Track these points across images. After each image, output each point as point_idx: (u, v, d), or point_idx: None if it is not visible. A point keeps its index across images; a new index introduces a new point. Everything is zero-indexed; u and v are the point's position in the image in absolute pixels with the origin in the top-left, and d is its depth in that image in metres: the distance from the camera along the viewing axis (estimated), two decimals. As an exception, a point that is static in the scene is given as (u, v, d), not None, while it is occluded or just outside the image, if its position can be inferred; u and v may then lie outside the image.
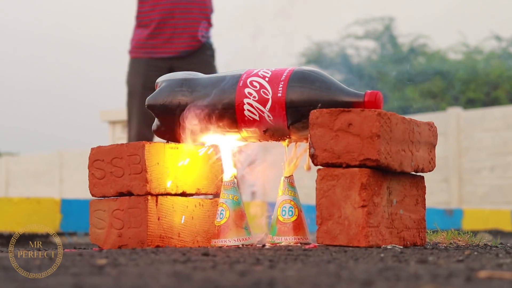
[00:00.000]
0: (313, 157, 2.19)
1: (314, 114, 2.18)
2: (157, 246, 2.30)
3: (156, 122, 2.46)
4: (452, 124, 10.33)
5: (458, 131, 10.33)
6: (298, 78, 2.28)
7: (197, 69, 4.47)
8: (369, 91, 2.24)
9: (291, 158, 2.38)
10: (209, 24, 4.61)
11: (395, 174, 2.23)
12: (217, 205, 2.42)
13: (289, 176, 2.38)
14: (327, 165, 2.18)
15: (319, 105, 2.23)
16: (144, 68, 4.56)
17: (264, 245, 2.30)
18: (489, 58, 16.31)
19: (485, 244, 2.51)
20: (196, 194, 2.47)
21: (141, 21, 4.61)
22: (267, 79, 2.32)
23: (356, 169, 2.13)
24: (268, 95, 2.29)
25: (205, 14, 4.59)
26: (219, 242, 2.35)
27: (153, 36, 4.55)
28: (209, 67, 4.50)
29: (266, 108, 2.30)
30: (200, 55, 4.55)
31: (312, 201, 2.43)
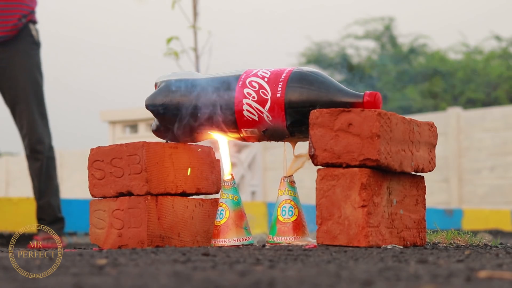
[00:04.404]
0: (313, 157, 2.19)
1: (314, 114, 2.18)
2: (157, 246, 2.30)
3: (155, 122, 2.46)
4: (452, 124, 10.33)
5: (458, 131, 10.33)
6: (297, 79, 2.28)
7: (13, 57, 4.26)
8: (368, 91, 2.24)
9: (293, 159, 2.38)
10: (28, 12, 4.23)
11: (395, 174, 2.23)
12: (217, 205, 2.42)
13: (289, 176, 2.38)
14: (327, 165, 2.18)
15: (317, 105, 2.23)
16: None
17: (264, 245, 2.30)
18: (489, 58, 16.31)
19: (485, 244, 2.51)
20: (196, 194, 2.47)
21: None
22: (266, 79, 2.32)
23: (356, 169, 2.13)
24: (267, 96, 2.30)
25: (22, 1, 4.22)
26: (219, 242, 2.36)
27: None
28: (26, 56, 4.20)
29: (265, 108, 2.30)
30: (17, 43, 4.21)
31: (312, 201, 2.43)
